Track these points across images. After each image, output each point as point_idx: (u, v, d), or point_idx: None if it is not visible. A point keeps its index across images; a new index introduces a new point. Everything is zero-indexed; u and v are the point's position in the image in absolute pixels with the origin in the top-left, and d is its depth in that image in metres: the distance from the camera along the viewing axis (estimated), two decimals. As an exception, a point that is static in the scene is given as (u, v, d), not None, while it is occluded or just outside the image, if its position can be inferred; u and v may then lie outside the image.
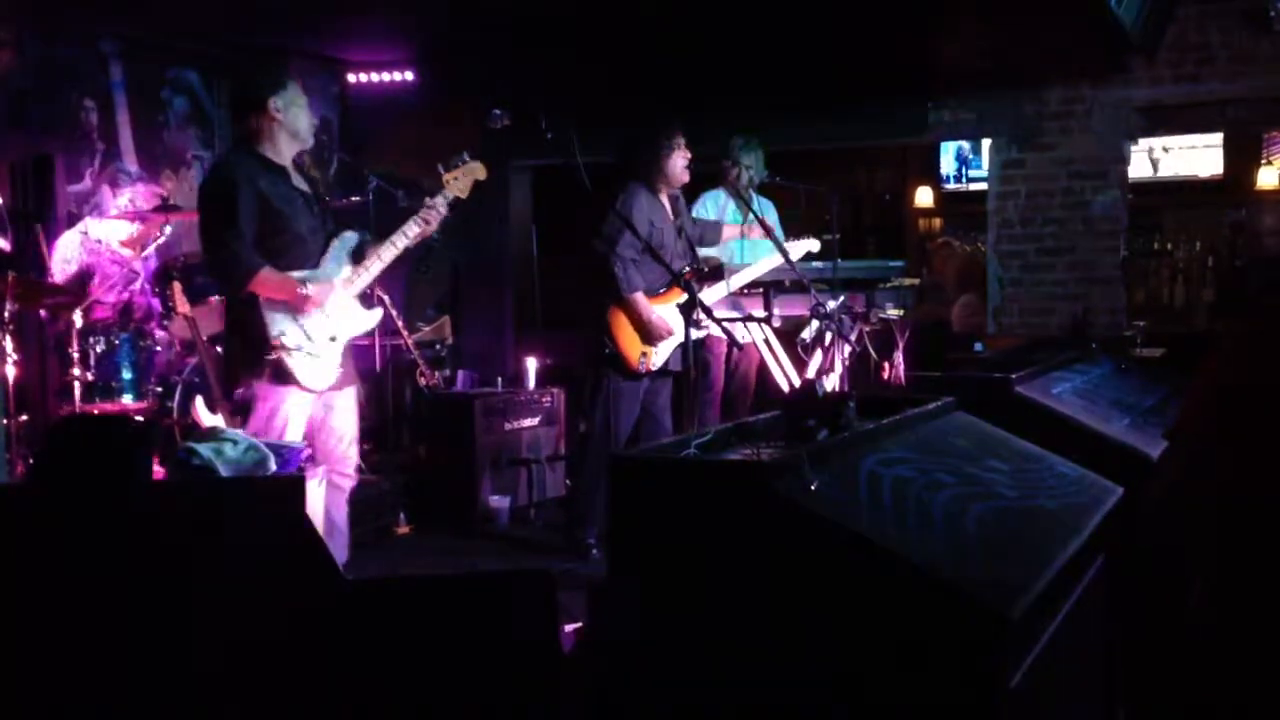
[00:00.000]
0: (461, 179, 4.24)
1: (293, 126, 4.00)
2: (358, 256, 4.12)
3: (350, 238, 4.13)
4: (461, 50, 7.62)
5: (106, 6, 6.45)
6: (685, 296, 4.73)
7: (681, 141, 5.02)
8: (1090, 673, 2.60)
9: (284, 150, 4.04)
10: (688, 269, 4.89)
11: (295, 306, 3.91)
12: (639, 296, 4.85)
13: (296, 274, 3.94)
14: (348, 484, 4.24)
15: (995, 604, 1.84)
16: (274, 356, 3.86)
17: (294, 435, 3.97)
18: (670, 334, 4.86)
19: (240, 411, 4.03)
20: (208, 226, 4.00)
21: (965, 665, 1.83)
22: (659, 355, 4.93)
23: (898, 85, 6.96)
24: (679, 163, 5.02)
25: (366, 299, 4.19)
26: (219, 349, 5.68)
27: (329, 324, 4.00)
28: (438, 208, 4.13)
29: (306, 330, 3.94)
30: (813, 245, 5.39)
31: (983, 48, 6.84)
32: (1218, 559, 2.29)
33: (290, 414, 3.95)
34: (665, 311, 4.88)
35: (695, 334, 4.67)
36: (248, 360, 3.93)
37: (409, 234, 4.10)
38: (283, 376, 3.90)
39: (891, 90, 6.99)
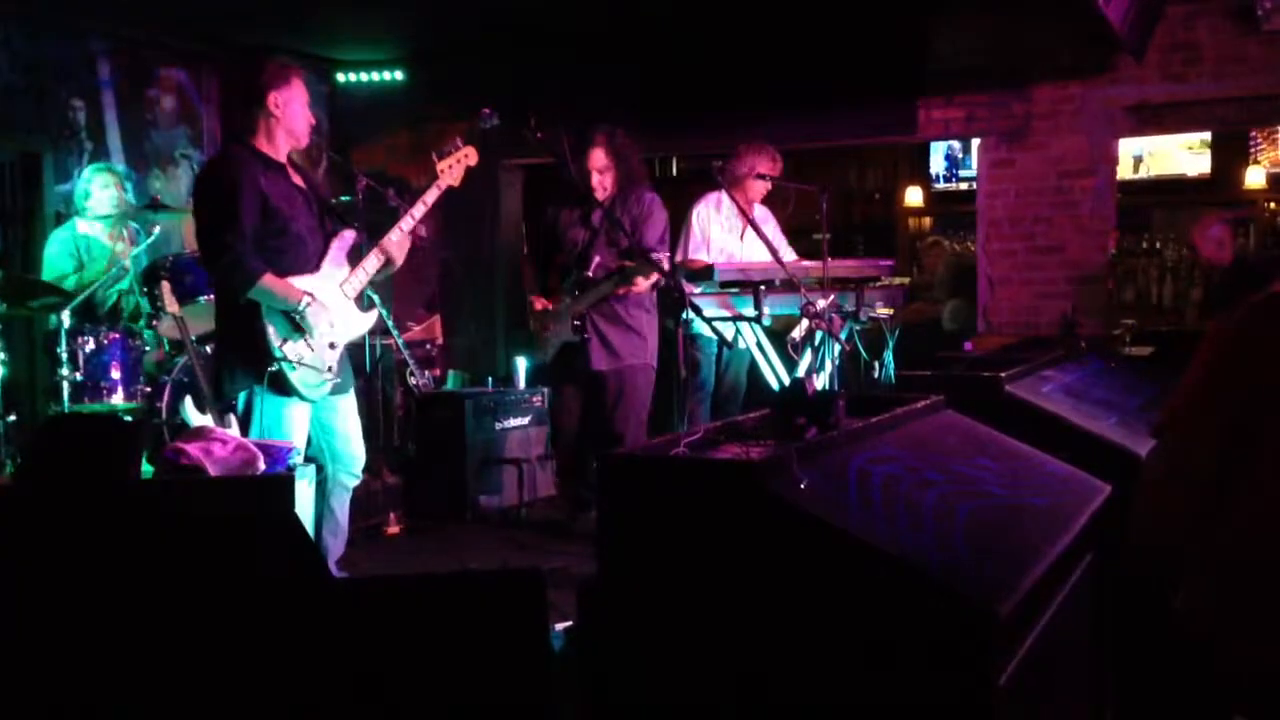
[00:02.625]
0: (455, 167, 4.20)
1: (290, 124, 3.87)
2: (355, 257, 4.02)
3: (348, 236, 4.02)
4: (451, 50, 7.61)
5: (95, 4, 6.42)
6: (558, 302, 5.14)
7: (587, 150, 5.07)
8: (1079, 670, 2.61)
9: (281, 147, 3.91)
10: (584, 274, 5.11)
11: (297, 315, 3.78)
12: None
13: (300, 283, 3.81)
14: (353, 483, 4.20)
15: (984, 601, 1.84)
16: (275, 369, 3.73)
17: (297, 443, 3.85)
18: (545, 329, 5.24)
19: (241, 419, 3.92)
20: (206, 226, 3.79)
21: (954, 662, 1.84)
22: (550, 346, 5.25)
23: (887, 85, 6.96)
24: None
25: (361, 300, 4.08)
26: (208, 349, 5.67)
27: (330, 331, 3.88)
28: (425, 200, 4.07)
29: (309, 340, 3.81)
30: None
31: (972, 47, 6.86)
32: (1204, 556, 2.30)
33: (292, 423, 3.84)
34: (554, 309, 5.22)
35: (570, 335, 5.11)
36: (247, 370, 3.79)
37: (404, 229, 4.01)
38: (282, 388, 3.77)
39: (881, 90, 6.99)
